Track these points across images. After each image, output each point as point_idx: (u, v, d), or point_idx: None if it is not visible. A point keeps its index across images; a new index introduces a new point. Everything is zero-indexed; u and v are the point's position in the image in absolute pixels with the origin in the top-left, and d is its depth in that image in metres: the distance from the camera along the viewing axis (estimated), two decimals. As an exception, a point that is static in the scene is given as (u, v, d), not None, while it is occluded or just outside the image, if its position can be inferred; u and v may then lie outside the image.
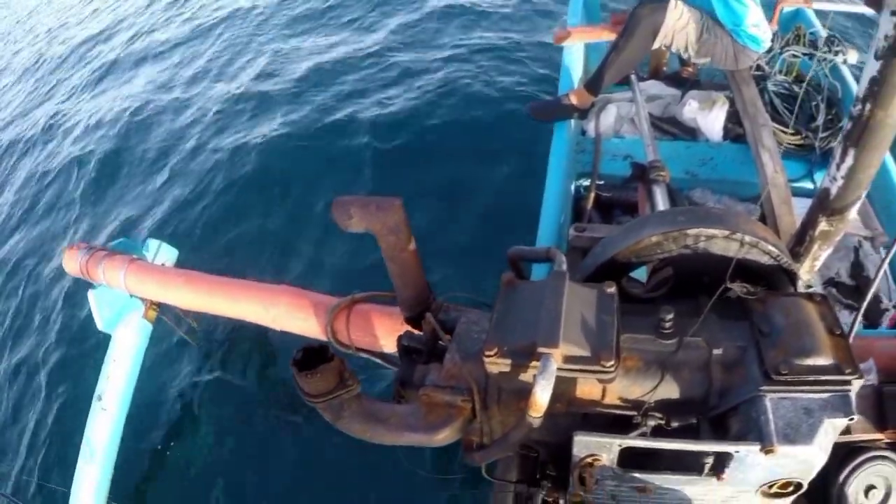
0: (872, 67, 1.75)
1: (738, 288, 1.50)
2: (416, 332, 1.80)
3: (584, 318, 1.37)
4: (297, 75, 6.50)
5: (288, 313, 2.72)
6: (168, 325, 3.56)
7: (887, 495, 1.55)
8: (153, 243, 3.53)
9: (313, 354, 1.46)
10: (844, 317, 2.99)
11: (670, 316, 1.40)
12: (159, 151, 6.14)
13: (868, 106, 1.80)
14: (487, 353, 1.35)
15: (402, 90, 5.86)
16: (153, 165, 6.02)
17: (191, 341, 3.84)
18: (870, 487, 1.54)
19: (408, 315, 1.86)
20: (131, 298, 3.26)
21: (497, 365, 1.36)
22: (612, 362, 1.29)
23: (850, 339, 1.73)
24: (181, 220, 5.20)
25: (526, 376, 1.36)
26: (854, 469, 1.55)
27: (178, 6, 9.35)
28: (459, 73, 5.90)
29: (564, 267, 1.60)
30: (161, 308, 3.39)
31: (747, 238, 1.56)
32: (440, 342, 1.65)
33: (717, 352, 1.42)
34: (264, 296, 2.80)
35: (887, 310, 3.01)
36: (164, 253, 3.54)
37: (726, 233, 1.56)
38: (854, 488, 1.53)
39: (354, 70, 6.28)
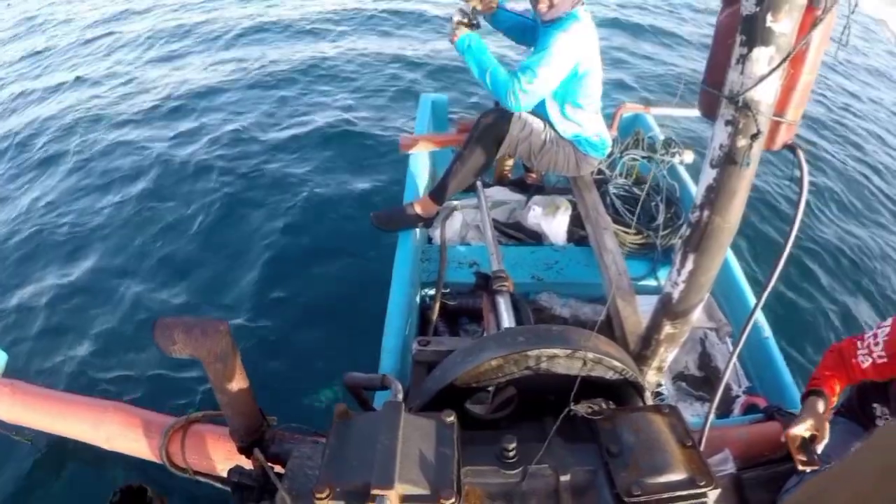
0: (709, 176, 1.80)
1: (583, 408, 1.45)
2: (246, 466, 1.65)
3: (423, 452, 1.28)
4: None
5: (120, 433, 2.56)
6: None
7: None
8: None
9: (132, 496, 1.30)
10: (697, 408, 3.04)
11: (513, 445, 1.33)
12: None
13: (706, 213, 1.84)
14: (318, 494, 1.22)
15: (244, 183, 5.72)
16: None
17: (23, 440, 3.44)
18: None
19: (240, 445, 1.71)
20: None
21: (330, 508, 1.23)
22: (452, 500, 1.20)
23: (705, 433, 1.74)
24: (12, 318, 4.75)
25: (362, 520, 1.24)
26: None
27: None
28: (307, 173, 5.83)
29: (400, 396, 1.51)
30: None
31: (590, 355, 1.53)
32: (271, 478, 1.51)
33: (564, 478, 1.36)
34: (94, 413, 2.64)
35: (738, 396, 3.08)
36: None
37: (568, 351, 1.52)
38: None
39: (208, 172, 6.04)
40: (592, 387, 1.58)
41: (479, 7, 3.34)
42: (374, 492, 1.19)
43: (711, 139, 1.79)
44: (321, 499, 1.22)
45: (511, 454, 1.33)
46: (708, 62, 1.87)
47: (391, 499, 1.18)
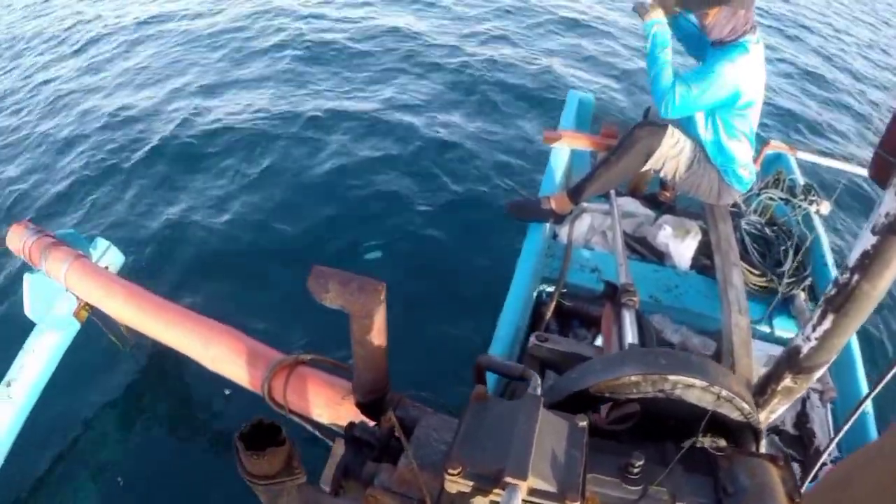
0: (867, 241, 1.76)
1: (707, 442, 1.47)
2: (368, 422, 1.71)
3: (555, 450, 1.31)
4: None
5: (226, 357, 2.61)
6: (98, 326, 3.36)
7: None
8: (102, 243, 3.41)
9: (262, 430, 1.34)
10: (784, 466, 2.98)
11: (640, 463, 1.36)
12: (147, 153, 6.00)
13: (856, 277, 1.80)
14: (451, 470, 1.26)
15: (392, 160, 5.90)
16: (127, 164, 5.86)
17: (121, 346, 3.60)
18: None
19: (360, 400, 1.78)
20: (66, 293, 3.11)
21: (458, 484, 1.27)
22: (577, 503, 1.23)
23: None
24: (142, 226, 5.00)
25: (484, 501, 1.28)
26: None
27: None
28: (450, 153, 5.97)
29: (539, 391, 1.55)
30: (94, 310, 3.21)
31: (724, 393, 1.54)
32: (394, 439, 1.56)
33: (679, 505, 1.38)
34: (205, 332, 2.69)
35: (825, 464, 3.01)
36: (110, 256, 3.42)
37: (705, 384, 1.54)
38: None
39: (349, 140, 6.22)
40: (713, 422, 1.58)
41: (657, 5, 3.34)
42: (508, 479, 1.23)
43: (878, 206, 1.75)
44: (453, 475, 1.26)
45: (636, 471, 1.36)
46: (888, 127, 1.82)
47: (522, 489, 1.22)
